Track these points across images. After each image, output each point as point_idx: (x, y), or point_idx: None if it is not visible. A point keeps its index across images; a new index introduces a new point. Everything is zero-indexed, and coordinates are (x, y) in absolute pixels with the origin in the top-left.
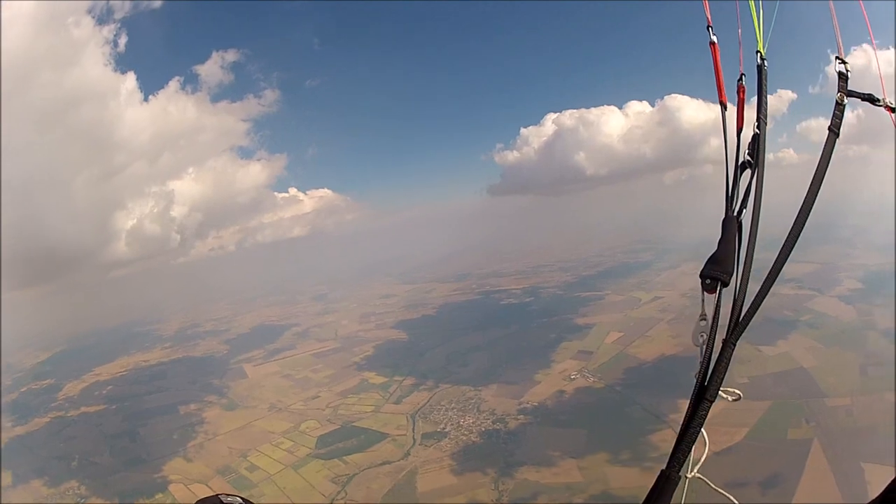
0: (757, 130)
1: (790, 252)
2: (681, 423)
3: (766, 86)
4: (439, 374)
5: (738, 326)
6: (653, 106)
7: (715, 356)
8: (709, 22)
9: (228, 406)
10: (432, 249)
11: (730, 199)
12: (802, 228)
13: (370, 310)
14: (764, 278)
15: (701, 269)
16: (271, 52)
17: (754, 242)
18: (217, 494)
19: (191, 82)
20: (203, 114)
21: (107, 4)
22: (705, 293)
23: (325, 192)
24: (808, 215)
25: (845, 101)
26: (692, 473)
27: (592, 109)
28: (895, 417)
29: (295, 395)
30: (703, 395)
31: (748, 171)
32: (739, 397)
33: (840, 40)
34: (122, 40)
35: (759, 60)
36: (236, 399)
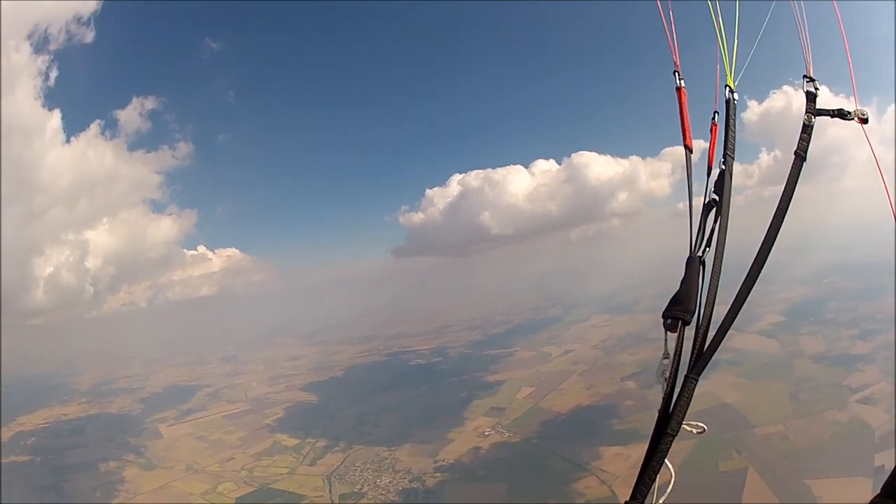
0: (723, 166)
1: (753, 285)
2: (641, 458)
3: (734, 121)
4: (351, 435)
5: (699, 361)
6: (560, 164)
7: (677, 391)
8: (676, 66)
9: (147, 466)
10: (337, 311)
11: (695, 239)
12: (766, 260)
13: (278, 371)
14: (725, 314)
15: (663, 310)
16: (188, 101)
17: (717, 280)
18: None
19: (110, 127)
20: (119, 162)
21: (44, 33)
22: (668, 332)
23: (232, 252)
24: (771, 246)
25: (813, 121)
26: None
27: (499, 169)
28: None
29: (210, 456)
30: (665, 428)
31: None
32: (704, 430)
33: (810, 58)
34: (53, 74)
35: (727, 94)
36: (154, 459)
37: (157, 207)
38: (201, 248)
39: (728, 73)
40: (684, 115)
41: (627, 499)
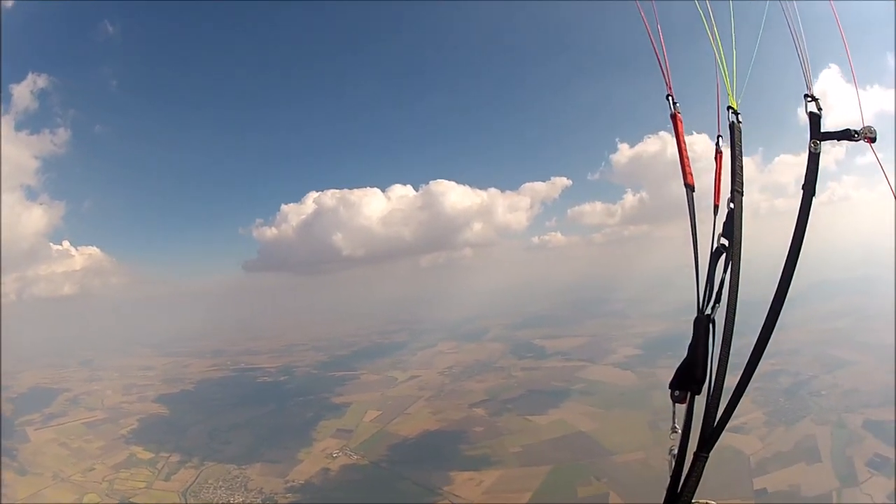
0: (731, 206)
1: (770, 335)
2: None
3: (741, 150)
4: (204, 451)
5: (711, 437)
6: (417, 190)
7: (686, 467)
8: (669, 90)
9: (20, 471)
10: (189, 322)
11: (704, 295)
12: (782, 306)
13: (132, 381)
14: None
15: (670, 379)
16: (74, 85)
17: (729, 343)
18: None
19: (5, 102)
20: (6, 141)
21: None
22: (675, 404)
23: (93, 251)
24: (787, 289)
25: (819, 147)
26: None
27: (355, 190)
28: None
29: (73, 465)
30: None
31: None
32: None
33: (810, 75)
34: None
35: (730, 118)
36: (25, 464)
37: (32, 195)
38: (66, 244)
39: (729, 92)
40: (682, 146)
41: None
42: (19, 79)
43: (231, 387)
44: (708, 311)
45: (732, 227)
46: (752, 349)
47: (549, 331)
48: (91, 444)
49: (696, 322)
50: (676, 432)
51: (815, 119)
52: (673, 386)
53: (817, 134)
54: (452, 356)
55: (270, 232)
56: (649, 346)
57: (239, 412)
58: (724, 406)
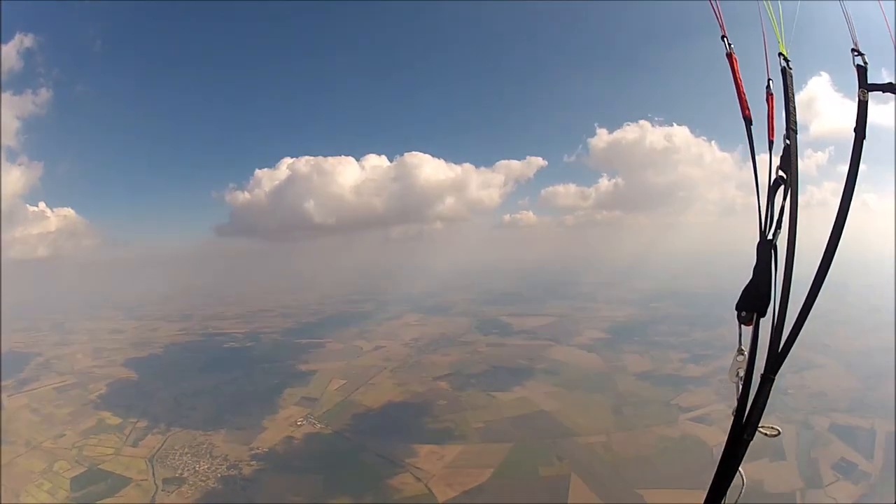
0: (787, 142)
1: (826, 274)
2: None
3: (792, 91)
4: (170, 417)
5: (777, 359)
6: (391, 161)
7: (753, 391)
8: (723, 31)
9: None
10: (159, 285)
11: (764, 222)
12: (837, 245)
13: (101, 345)
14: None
15: (737, 301)
16: (59, 44)
17: (791, 267)
18: None
19: None
20: None
21: None
22: (742, 326)
23: (68, 212)
24: (842, 229)
25: (866, 96)
26: None
27: (330, 158)
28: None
29: (44, 431)
30: (741, 432)
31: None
32: (779, 433)
33: (854, 31)
34: None
35: (781, 63)
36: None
37: (11, 156)
38: (42, 205)
39: (779, 40)
40: (738, 82)
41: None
42: (7, 39)
43: (198, 352)
44: (770, 236)
45: (790, 160)
46: (814, 274)
47: (516, 309)
48: (61, 409)
49: (759, 247)
50: (743, 354)
51: (862, 71)
52: (739, 307)
53: (865, 84)
54: (418, 328)
55: (243, 197)
56: (615, 330)
57: (205, 377)
58: (790, 329)
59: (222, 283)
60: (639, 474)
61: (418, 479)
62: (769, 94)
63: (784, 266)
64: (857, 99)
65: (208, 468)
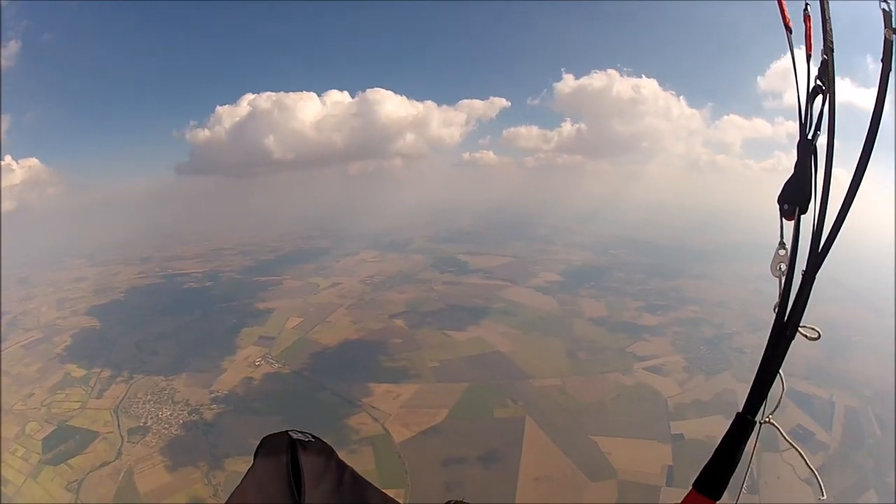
0: (825, 57)
1: (864, 171)
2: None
3: (828, 11)
4: (132, 363)
5: (818, 257)
6: (353, 97)
7: (794, 289)
8: None
9: None
10: (120, 228)
11: (803, 125)
12: (870, 154)
13: (65, 295)
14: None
15: (778, 194)
16: None
17: (831, 166)
18: (287, 431)
19: None
20: None
21: None
22: (783, 220)
23: (33, 162)
24: (875, 135)
25: (892, 35)
26: (766, 418)
27: (291, 94)
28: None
29: (15, 393)
30: (783, 333)
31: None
32: (819, 336)
33: None
34: None
35: None
36: None
37: None
38: (7, 159)
39: None
40: None
41: (739, 411)
42: None
43: (159, 294)
44: (810, 136)
45: (828, 70)
46: (856, 166)
47: (473, 247)
48: (29, 367)
49: (800, 145)
50: (784, 249)
51: (887, 15)
52: (781, 200)
53: (890, 25)
54: (374, 265)
55: (203, 134)
56: (572, 274)
57: (166, 321)
58: (829, 229)
59: (182, 223)
60: (593, 421)
61: (375, 420)
62: (806, 15)
63: (824, 168)
64: (882, 40)
65: (171, 415)
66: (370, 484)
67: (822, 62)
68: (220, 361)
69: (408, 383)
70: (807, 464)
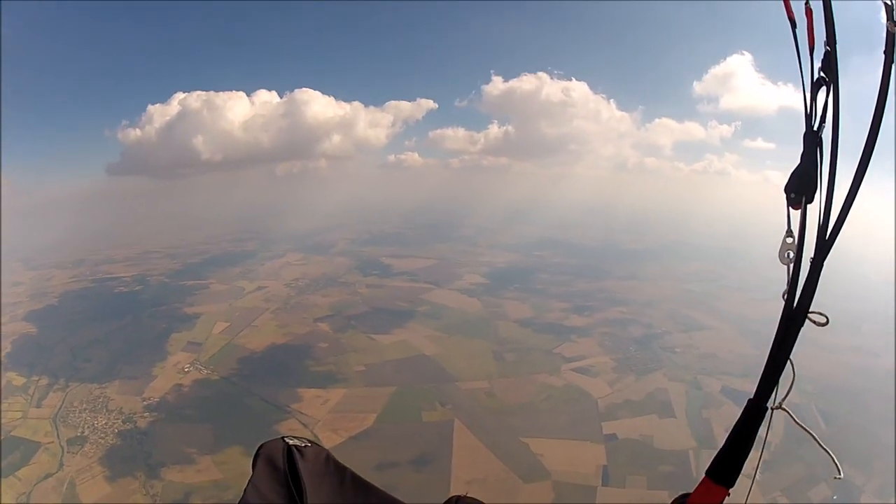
0: (828, 48)
1: (868, 163)
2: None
3: (831, 8)
4: (68, 371)
5: (825, 245)
6: (281, 97)
7: (803, 276)
8: None
9: None
10: (54, 231)
11: (808, 116)
12: (876, 140)
13: (5, 300)
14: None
15: (785, 183)
16: None
17: (836, 156)
18: (283, 437)
19: None
20: None
21: None
22: (790, 208)
23: None
24: (879, 126)
25: (895, 28)
26: (778, 405)
27: (221, 93)
28: None
29: None
30: (792, 319)
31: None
32: (827, 322)
33: None
34: None
35: None
36: None
37: None
38: None
39: None
40: None
41: (752, 397)
42: None
43: (91, 298)
44: (815, 127)
45: (830, 63)
46: (857, 164)
47: (396, 250)
48: None
49: (806, 136)
50: (792, 237)
51: (889, 8)
52: (788, 189)
53: (892, 19)
54: (299, 268)
55: (134, 133)
56: (496, 276)
57: (98, 326)
58: (836, 217)
59: (113, 224)
60: (523, 422)
61: (304, 425)
62: (807, 8)
63: (829, 157)
64: (885, 32)
65: (106, 423)
66: (371, 485)
67: (825, 54)
68: (151, 368)
69: (335, 388)
70: (820, 445)
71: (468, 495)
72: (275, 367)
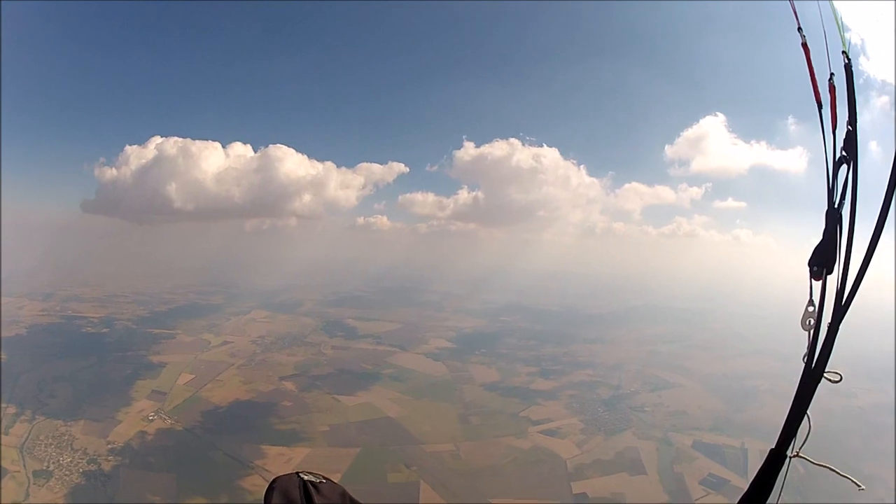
0: (850, 128)
1: (879, 238)
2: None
3: (853, 85)
4: (34, 403)
5: (841, 310)
6: (256, 151)
7: (821, 339)
8: (798, 24)
9: None
10: (28, 257)
11: (830, 193)
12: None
13: None
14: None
15: (809, 257)
16: None
17: (853, 231)
18: (297, 472)
19: None
20: None
21: None
22: (812, 280)
23: None
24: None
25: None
26: (796, 453)
27: (198, 142)
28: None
29: None
30: (811, 376)
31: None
32: (840, 379)
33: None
34: None
35: (844, 61)
36: None
37: None
38: None
39: (843, 42)
40: (811, 71)
41: (773, 447)
42: None
43: (58, 334)
44: (836, 205)
45: (852, 143)
46: (871, 235)
47: (363, 312)
48: None
49: (828, 213)
50: (813, 306)
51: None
52: (811, 263)
53: None
54: (265, 325)
55: (110, 173)
56: (462, 340)
57: (64, 363)
58: (850, 287)
59: (83, 262)
60: (490, 484)
61: (267, 482)
62: (831, 86)
63: (847, 231)
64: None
65: (71, 461)
66: None
67: (847, 133)
68: (116, 412)
69: (299, 446)
70: (840, 474)
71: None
72: (239, 423)
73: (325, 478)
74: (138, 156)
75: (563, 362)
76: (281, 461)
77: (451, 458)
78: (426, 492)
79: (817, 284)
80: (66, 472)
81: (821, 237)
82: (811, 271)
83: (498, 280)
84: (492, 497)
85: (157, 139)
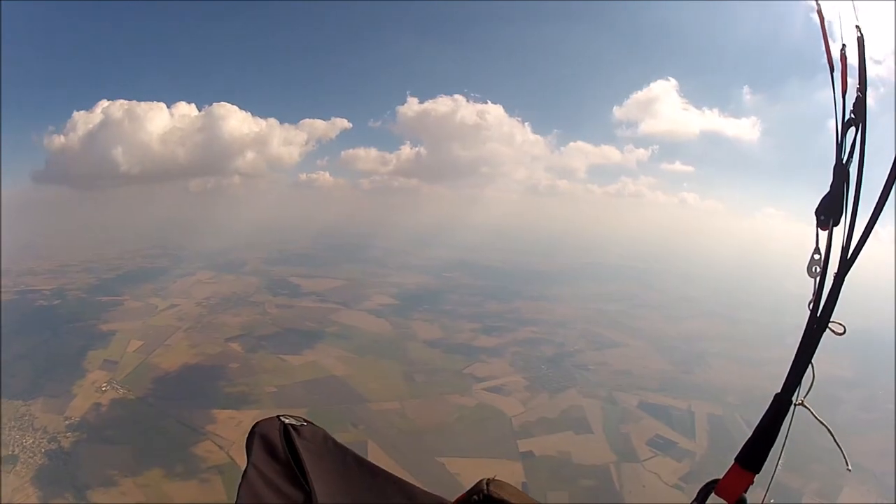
0: (859, 93)
1: (889, 193)
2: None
3: (864, 54)
4: None
5: (847, 263)
6: (200, 110)
7: (826, 289)
8: None
9: None
10: None
11: (839, 149)
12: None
13: None
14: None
15: (816, 207)
16: None
17: (860, 187)
18: (278, 416)
19: None
20: None
21: None
22: (819, 229)
23: None
24: None
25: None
26: (801, 401)
27: (143, 103)
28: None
29: None
30: (816, 326)
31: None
32: (844, 331)
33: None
34: None
35: (857, 33)
36: None
37: None
38: None
39: (855, 15)
40: (825, 34)
41: (778, 392)
42: None
43: (15, 311)
44: (844, 161)
45: (861, 107)
46: (881, 189)
47: (306, 270)
48: None
49: (835, 168)
50: (819, 254)
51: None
52: (818, 212)
53: None
54: (210, 286)
55: (59, 140)
56: (405, 297)
57: (21, 340)
58: (857, 239)
59: (36, 235)
60: (437, 442)
61: (220, 447)
62: (843, 55)
63: (854, 188)
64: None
65: (33, 443)
66: (377, 466)
67: (856, 98)
68: (71, 385)
69: (248, 409)
70: (835, 441)
71: (496, 478)
72: (189, 388)
73: (306, 420)
74: (86, 121)
75: (507, 319)
76: (231, 425)
77: (397, 417)
78: (374, 450)
79: (823, 235)
80: (30, 455)
81: (828, 190)
82: (818, 220)
83: (441, 236)
84: (440, 455)
85: (104, 103)
